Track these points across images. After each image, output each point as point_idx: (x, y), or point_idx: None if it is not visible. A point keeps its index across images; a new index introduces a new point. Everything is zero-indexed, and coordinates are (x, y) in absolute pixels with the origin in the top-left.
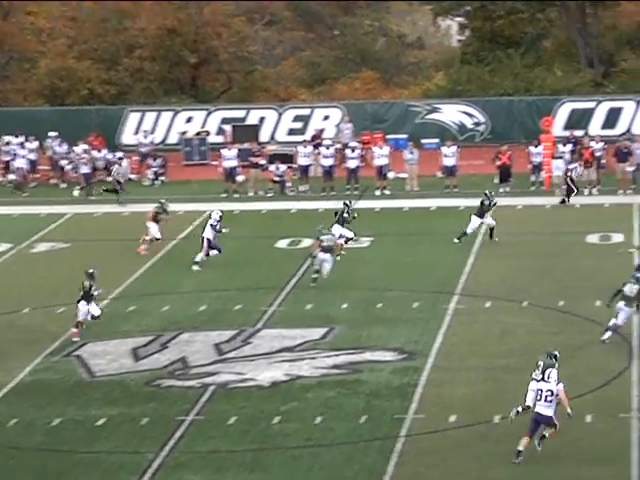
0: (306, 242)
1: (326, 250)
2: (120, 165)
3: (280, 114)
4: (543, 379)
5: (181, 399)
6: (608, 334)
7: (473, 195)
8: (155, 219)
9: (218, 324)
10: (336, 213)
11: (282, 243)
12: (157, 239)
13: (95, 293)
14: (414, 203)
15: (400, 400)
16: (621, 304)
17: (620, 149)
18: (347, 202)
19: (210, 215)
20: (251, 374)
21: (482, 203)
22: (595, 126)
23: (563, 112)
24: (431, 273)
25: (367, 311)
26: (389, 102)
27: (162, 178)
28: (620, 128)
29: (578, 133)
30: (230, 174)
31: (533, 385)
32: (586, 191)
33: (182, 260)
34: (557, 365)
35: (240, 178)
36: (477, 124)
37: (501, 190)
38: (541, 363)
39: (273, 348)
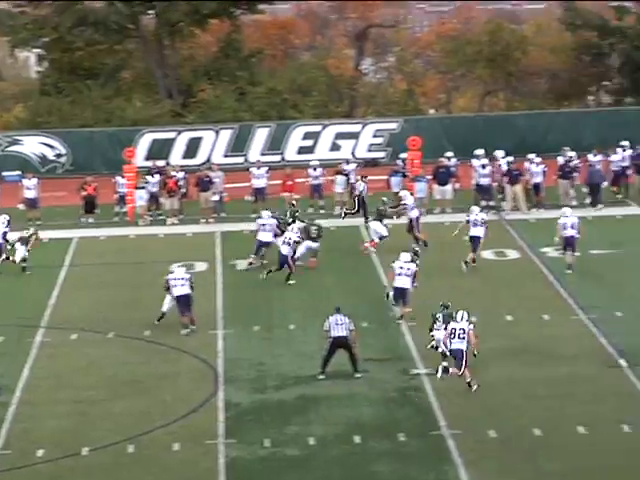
0: None
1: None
2: None
3: None
4: (455, 320)
5: None
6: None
7: (57, 227)
8: None
9: None
10: (281, 219)
11: None
12: None
13: None
14: None
15: None
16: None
17: (201, 178)
18: (293, 203)
19: None
20: None
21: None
22: (176, 156)
23: (144, 142)
24: (15, 306)
25: None
26: None
27: None
28: (201, 157)
29: (160, 163)
30: None
31: (439, 334)
32: (169, 220)
33: None
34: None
35: None
36: (59, 156)
37: (82, 220)
38: (440, 315)
39: None
